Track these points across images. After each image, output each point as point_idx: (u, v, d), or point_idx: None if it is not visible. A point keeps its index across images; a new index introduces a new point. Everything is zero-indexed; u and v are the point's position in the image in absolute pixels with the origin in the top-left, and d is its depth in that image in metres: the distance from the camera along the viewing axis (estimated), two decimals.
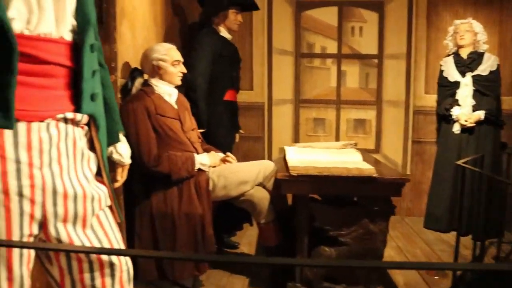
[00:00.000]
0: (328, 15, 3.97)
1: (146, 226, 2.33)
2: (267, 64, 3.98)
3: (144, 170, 2.28)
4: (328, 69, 4.03)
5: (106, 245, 1.27)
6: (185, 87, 2.76)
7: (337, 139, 4.05)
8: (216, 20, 3.10)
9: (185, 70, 2.50)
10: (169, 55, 2.42)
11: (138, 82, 2.46)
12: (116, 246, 1.30)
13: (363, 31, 3.98)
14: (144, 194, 2.35)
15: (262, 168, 2.47)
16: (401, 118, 4.01)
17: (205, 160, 2.40)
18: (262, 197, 2.41)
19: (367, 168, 2.15)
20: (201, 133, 2.75)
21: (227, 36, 3.14)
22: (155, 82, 2.43)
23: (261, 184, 2.48)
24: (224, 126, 3.05)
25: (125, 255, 1.17)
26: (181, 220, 2.30)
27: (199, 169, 2.37)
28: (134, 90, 2.44)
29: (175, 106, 2.47)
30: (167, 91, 2.45)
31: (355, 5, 3.95)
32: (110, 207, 1.32)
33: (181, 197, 2.31)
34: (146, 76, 2.50)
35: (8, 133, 0.99)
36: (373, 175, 2.10)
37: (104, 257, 1.24)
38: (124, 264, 1.31)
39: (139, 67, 2.50)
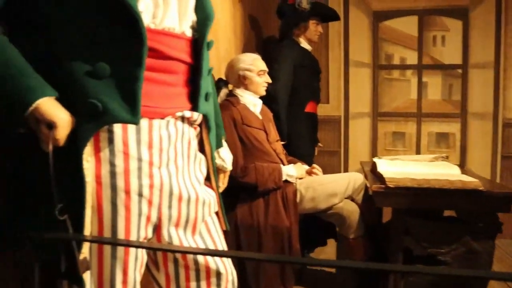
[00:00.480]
0: (407, 25, 3.82)
1: (230, 238, 2.27)
2: (344, 76, 3.88)
3: (230, 181, 2.24)
4: (408, 80, 3.86)
5: None
6: (267, 99, 2.72)
7: (418, 153, 3.85)
8: (296, 31, 3.06)
9: (270, 80, 2.47)
10: (255, 65, 2.39)
11: (223, 92, 2.45)
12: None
13: (445, 40, 3.78)
14: (229, 205, 2.30)
15: (352, 180, 2.35)
16: (488, 132, 3.75)
17: (292, 171, 2.33)
18: (352, 210, 2.29)
19: (471, 181, 1.98)
20: (282, 145, 2.69)
21: (308, 47, 3.09)
22: (241, 92, 2.40)
23: (349, 197, 2.36)
24: (304, 138, 2.98)
25: (235, 257, 1.11)
26: (267, 233, 2.23)
27: (286, 181, 2.30)
28: (219, 100, 2.43)
29: (260, 117, 2.43)
30: (252, 102, 2.41)
31: (436, 13, 3.77)
32: (217, 214, 1.28)
33: (267, 209, 2.25)
34: (230, 87, 2.49)
35: (131, 130, 0.96)
36: (478, 188, 1.93)
37: (212, 266, 1.19)
38: (230, 274, 1.25)
39: (224, 78, 2.49)
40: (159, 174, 1.02)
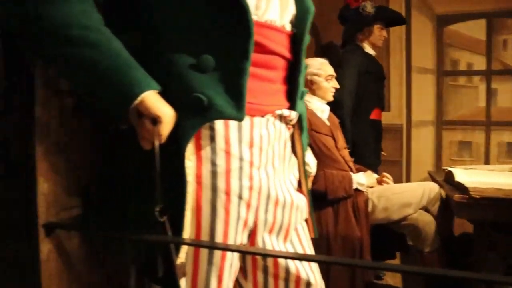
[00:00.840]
0: (474, 29, 3.63)
1: None
2: (406, 83, 3.73)
3: None
4: (475, 87, 3.67)
5: (304, 262, 1.15)
6: (331, 105, 2.64)
7: (487, 164, 3.63)
8: (360, 36, 2.96)
9: (337, 85, 2.39)
10: (323, 70, 2.33)
11: None
12: (312, 265, 1.17)
13: None
14: None
15: (427, 189, 2.22)
16: None
17: (362, 179, 2.23)
18: (427, 222, 2.16)
19: None
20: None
21: (372, 53, 2.99)
22: (308, 98, 2.33)
23: (424, 208, 2.23)
24: (370, 146, 2.86)
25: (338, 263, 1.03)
26: (337, 243, 2.13)
27: (356, 189, 2.20)
28: None
29: (328, 123, 2.35)
30: (320, 107, 2.34)
31: (507, 15, 3.57)
32: (305, 221, 1.21)
33: (337, 219, 2.16)
34: None
35: (233, 127, 0.91)
36: None
37: (303, 275, 1.12)
38: (319, 285, 1.17)
39: None
40: (258, 175, 0.96)
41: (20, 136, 0.99)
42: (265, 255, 1.02)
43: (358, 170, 2.39)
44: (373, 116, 2.92)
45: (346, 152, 2.40)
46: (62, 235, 1.04)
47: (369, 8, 2.93)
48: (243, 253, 1.01)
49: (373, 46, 3.00)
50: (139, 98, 0.80)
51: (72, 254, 1.06)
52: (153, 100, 0.82)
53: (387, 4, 3.63)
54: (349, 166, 2.31)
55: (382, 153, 3.19)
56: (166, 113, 0.82)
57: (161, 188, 0.85)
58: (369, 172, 2.36)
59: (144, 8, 0.89)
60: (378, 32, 2.97)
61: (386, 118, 3.70)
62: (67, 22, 0.81)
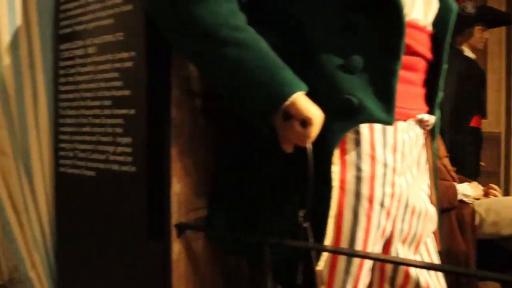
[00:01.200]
0: None
1: None
2: (505, 89, 3.49)
3: None
4: None
5: (433, 276, 1.08)
6: None
7: None
8: (459, 38, 2.80)
9: None
10: None
11: None
12: (441, 280, 1.10)
13: None
14: None
15: None
16: None
17: (468, 190, 2.09)
18: None
19: None
20: None
21: (472, 56, 2.81)
22: None
23: None
24: (469, 155, 2.70)
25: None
26: (440, 256, 2.01)
27: (461, 201, 2.07)
28: None
29: None
30: None
31: None
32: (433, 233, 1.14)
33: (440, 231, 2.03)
34: None
35: (378, 131, 0.87)
36: None
37: None
38: None
39: None
40: (400, 182, 0.91)
41: (155, 136, 1.01)
42: (407, 265, 0.97)
43: (461, 180, 2.25)
44: (473, 123, 2.75)
45: (447, 161, 2.26)
46: (190, 236, 1.05)
47: (470, 8, 2.77)
48: (385, 262, 0.97)
49: (473, 49, 2.83)
50: (290, 99, 0.78)
51: (198, 255, 1.07)
52: (303, 101, 0.79)
53: (486, 4, 3.43)
54: (451, 176, 2.17)
55: (481, 163, 3.00)
56: (317, 115, 0.79)
57: (303, 192, 0.82)
58: (474, 183, 2.20)
59: (289, 8, 0.87)
60: (478, 34, 2.79)
61: (482, 125, 3.49)
62: (216, 22, 0.81)
